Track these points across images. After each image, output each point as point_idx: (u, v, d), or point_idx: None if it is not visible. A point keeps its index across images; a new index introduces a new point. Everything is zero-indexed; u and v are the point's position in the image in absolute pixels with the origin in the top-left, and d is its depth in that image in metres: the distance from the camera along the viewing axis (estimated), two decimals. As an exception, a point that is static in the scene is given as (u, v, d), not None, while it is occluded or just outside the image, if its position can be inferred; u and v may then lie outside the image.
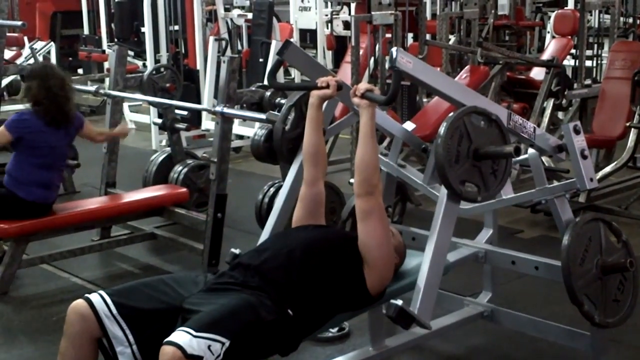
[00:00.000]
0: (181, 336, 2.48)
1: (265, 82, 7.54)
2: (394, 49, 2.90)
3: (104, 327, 2.70)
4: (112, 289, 2.81)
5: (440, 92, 3.13)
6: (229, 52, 8.35)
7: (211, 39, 8.53)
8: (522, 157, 3.43)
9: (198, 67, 8.63)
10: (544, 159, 3.76)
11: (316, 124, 3.21)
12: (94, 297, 2.74)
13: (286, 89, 3.49)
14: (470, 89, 3.04)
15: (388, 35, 6.66)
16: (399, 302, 2.79)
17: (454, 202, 2.97)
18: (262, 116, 4.54)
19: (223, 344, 2.51)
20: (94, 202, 5.13)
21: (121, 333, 2.69)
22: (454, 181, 2.85)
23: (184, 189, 5.21)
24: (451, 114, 2.90)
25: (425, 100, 7.03)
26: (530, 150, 3.36)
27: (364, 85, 2.99)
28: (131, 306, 2.73)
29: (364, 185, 2.89)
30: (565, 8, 9.49)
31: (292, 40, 3.18)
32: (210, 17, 9.82)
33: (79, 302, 2.75)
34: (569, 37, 8.40)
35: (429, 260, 2.92)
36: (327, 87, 3.12)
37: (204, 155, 6.73)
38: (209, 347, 2.49)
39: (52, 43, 11.08)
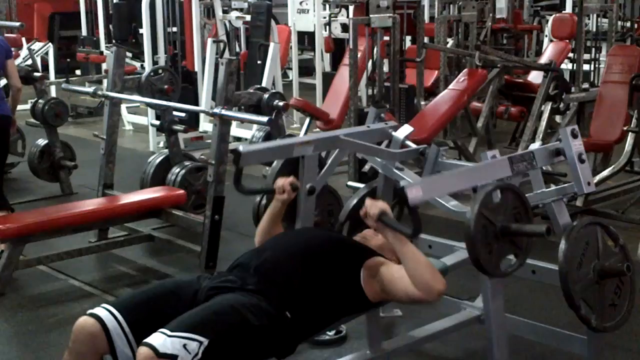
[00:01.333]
0: (156, 337, 2.49)
1: (264, 84, 7.57)
2: (403, 187, 2.74)
3: (112, 345, 2.67)
4: (118, 303, 2.78)
5: (454, 193, 3.14)
6: (227, 54, 8.35)
7: (209, 40, 8.53)
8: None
9: (196, 69, 8.63)
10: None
11: (276, 218, 3.31)
12: (103, 313, 2.69)
13: (251, 193, 3.73)
14: (471, 167, 2.99)
15: (386, 38, 6.67)
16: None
17: (497, 280, 3.06)
18: (260, 118, 4.55)
19: (201, 342, 2.50)
20: (92, 204, 5.12)
21: (129, 350, 2.66)
22: (492, 269, 2.88)
23: (182, 191, 5.21)
24: (469, 210, 2.84)
25: (423, 103, 7.03)
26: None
27: (374, 209, 2.80)
28: (140, 323, 2.69)
29: (428, 290, 2.74)
30: (563, 12, 9.49)
31: (238, 148, 3.31)
32: (208, 15, 9.81)
33: (88, 321, 2.69)
34: (567, 40, 8.41)
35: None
36: (284, 192, 3.23)
37: (202, 157, 6.72)
38: (184, 345, 2.47)
39: (50, 44, 11.07)
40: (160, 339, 2.48)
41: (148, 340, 2.49)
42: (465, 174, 2.93)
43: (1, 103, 5.46)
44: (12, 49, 6.07)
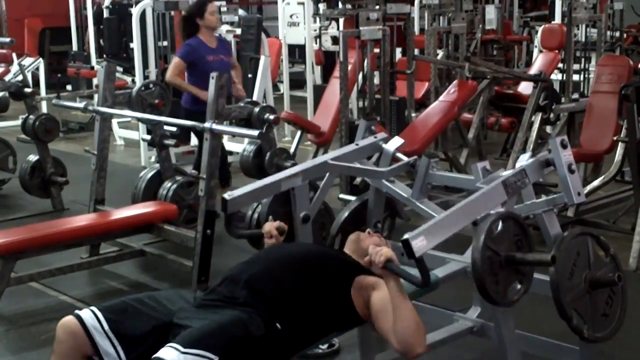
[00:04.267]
0: (169, 353, 2.49)
1: (255, 98, 7.58)
2: (407, 239, 2.69)
3: (94, 344, 2.69)
4: (102, 305, 2.81)
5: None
6: (217, 68, 8.34)
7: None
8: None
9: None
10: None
11: None
12: (84, 313, 2.73)
13: (241, 237, 3.83)
14: (468, 202, 3.00)
15: (376, 50, 6.68)
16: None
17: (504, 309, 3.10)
18: (251, 132, 4.55)
19: None
20: (83, 220, 5.11)
21: (112, 350, 2.69)
22: (500, 298, 2.93)
23: (173, 206, 5.20)
24: (474, 243, 2.87)
25: (413, 115, 7.05)
26: (518, 166, 3.37)
27: (380, 257, 2.76)
28: (122, 322, 2.73)
29: (408, 349, 2.74)
30: (553, 22, 9.53)
31: (224, 196, 3.38)
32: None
33: (69, 319, 2.74)
34: (557, 51, 8.44)
35: None
36: (271, 237, 3.25)
37: (193, 171, 6.73)
38: None
39: (40, 59, 11.07)
40: (173, 355, 2.48)
41: (160, 355, 2.49)
42: (464, 210, 2.95)
43: None
44: (2, 64, 6.07)
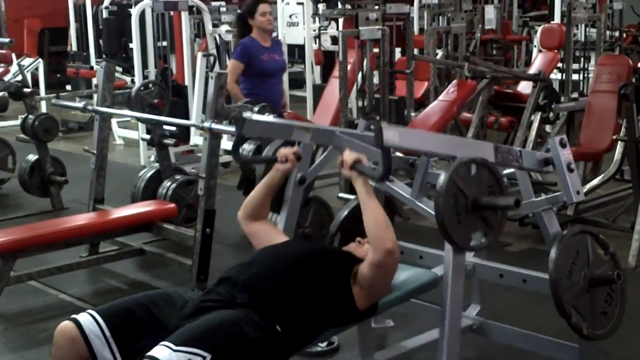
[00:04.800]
0: (161, 351, 2.48)
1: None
2: (381, 128, 2.78)
3: (92, 350, 2.68)
4: (101, 309, 2.79)
5: (429, 153, 3.18)
6: (217, 68, 8.36)
7: (199, 54, 8.54)
8: (509, 170, 3.46)
9: (186, 83, 8.64)
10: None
11: (271, 189, 3.29)
12: (83, 318, 2.71)
13: (250, 162, 3.64)
14: (455, 138, 3.01)
15: (376, 50, 6.69)
16: None
17: (461, 255, 3.00)
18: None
19: (204, 358, 2.50)
20: (82, 219, 5.11)
21: (111, 356, 2.67)
22: (460, 240, 2.87)
23: (173, 205, 5.20)
24: (441, 176, 2.84)
25: (413, 114, 7.05)
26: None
27: (350, 156, 2.95)
28: (122, 328, 2.71)
29: (379, 246, 2.82)
30: (552, 22, 9.53)
31: (246, 115, 3.27)
32: (198, 32, 9.84)
33: (67, 325, 2.71)
34: (556, 51, 8.45)
35: (447, 317, 2.97)
36: (287, 160, 3.23)
37: (193, 170, 6.73)
38: None
39: (40, 60, 11.07)
40: (165, 353, 2.47)
41: (153, 353, 2.48)
42: (446, 139, 2.96)
43: None
44: (2, 65, 6.07)
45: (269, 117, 3.50)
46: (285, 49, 9.28)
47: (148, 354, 2.48)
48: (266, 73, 5.95)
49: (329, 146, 3.70)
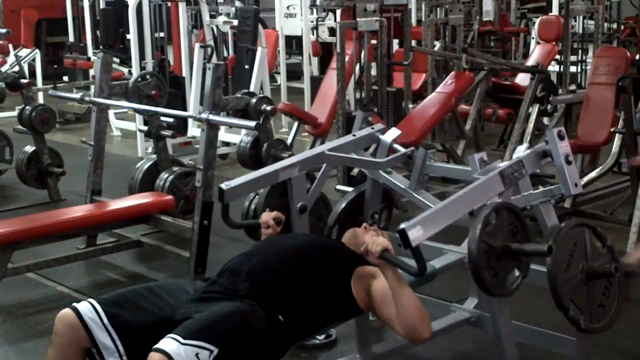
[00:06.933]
0: (169, 343, 2.48)
1: (252, 89, 7.57)
2: (404, 228, 2.67)
3: (92, 337, 2.68)
4: (102, 298, 2.80)
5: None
6: (214, 59, 8.34)
7: (197, 45, 8.52)
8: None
9: (184, 74, 8.62)
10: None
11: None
12: (82, 306, 2.72)
13: (238, 227, 3.77)
14: (464, 190, 3.00)
15: (373, 42, 6.67)
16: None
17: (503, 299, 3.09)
18: (248, 123, 4.55)
19: (211, 351, 2.51)
20: (80, 210, 5.10)
21: (112, 343, 2.68)
22: (501, 290, 2.95)
23: (170, 197, 5.19)
24: (468, 241, 2.88)
25: (410, 106, 7.04)
26: (515, 157, 3.37)
27: (377, 246, 2.79)
28: (122, 317, 2.71)
29: (415, 336, 2.79)
30: (550, 14, 9.52)
31: (221, 186, 3.36)
32: (196, 23, 9.82)
33: (67, 312, 2.73)
34: (554, 43, 8.44)
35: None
36: (268, 227, 3.27)
37: (190, 162, 6.72)
38: (196, 354, 2.49)
39: (37, 50, 11.06)
40: (173, 345, 2.48)
41: (160, 345, 2.49)
42: (460, 200, 2.94)
43: None
44: (-1, 55, 6.05)
45: (248, 175, 3.57)
46: (282, 41, 9.29)
47: (156, 346, 2.48)
48: None
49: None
